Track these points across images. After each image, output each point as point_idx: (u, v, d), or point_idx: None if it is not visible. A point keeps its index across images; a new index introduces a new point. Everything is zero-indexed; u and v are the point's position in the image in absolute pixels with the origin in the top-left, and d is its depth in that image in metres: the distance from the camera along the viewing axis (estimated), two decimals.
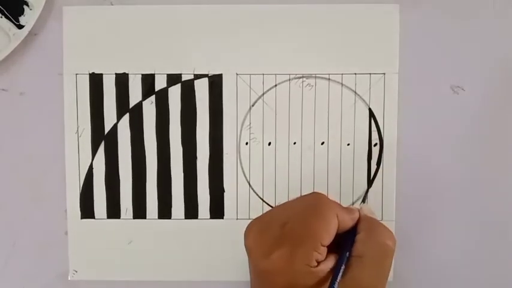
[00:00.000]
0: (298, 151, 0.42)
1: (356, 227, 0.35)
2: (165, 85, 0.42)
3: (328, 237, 0.33)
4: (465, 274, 0.42)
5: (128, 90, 0.42)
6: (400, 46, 0.41)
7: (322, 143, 0.42)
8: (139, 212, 0.42)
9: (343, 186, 0.42)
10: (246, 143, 0.42)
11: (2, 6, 0.40)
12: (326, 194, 0.35)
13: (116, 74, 0.42)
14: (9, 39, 0.40)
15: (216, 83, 0.42)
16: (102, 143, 0.42)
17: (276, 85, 0.41)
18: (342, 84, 0.41)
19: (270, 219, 0.35)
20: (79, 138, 0.42)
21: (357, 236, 0.34)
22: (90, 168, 0.42)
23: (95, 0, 0.41)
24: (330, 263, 0.33)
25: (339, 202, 0.35)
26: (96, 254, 0.42)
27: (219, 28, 0.41)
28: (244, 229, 0.35)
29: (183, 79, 0.42)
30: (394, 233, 0.35)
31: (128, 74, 0.42)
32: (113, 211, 0.42)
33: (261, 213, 0.36)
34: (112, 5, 0.41)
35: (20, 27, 0.40)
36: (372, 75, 0.41)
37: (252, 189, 0.42)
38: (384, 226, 0.35)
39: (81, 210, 0.42)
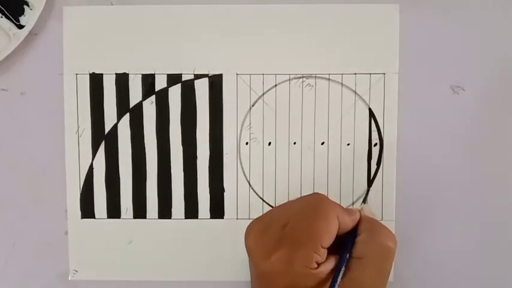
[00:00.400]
0: (298, 151, 0.42)
1: (357, 228, 0.35)
2: (165, 85, 0.42)
3: (329, 239, 0.33)
4: (465, 274, 0.42)
5: (128, 90, 0.42)
6: (400, 46, 0.41)
7: (322, 143, 0.42)
8: (140, 211, 0.42)
9: (343, 186, 0.42)
10: (246, 143, 0.42)
11: (2, 6, 0.40)
12: (326, 195, 0.35)
13: (116, 74, 0.42)
14: (10, 39, 0.40)
15: (216, 83, 0.42)
16: (102, 143, 0.42)
17: (276, 85, 0.41)
18: (342, 84, 0.41)
19: (270, 219, 0.35)
20: (79, 138, 0.42)
21: (357, 238, 0.34)
22: (90, 168, 0.42)
23: (95, 0, 0.41)
24: (330, 265, 0.33)
25: (339, 203, 0.36)
26: (96, 254, 0.42)
27: (219, 28, 0.41)
28: (245, 229, 0.35)
29: (183, 79, 0.42)
30: (394, 232, 0.35)
31: (128, 74, 0.42)
32: (113, 211, 0.42)
33: (261, 214, 0.36)
34: (112, 5, 0.41)
35: (20, 27, 0.40)
36: (371, 75, 0.41)
37: (252, 189, 0.42)
38: (385, 227, 0.35)
39: (81, 210, 0.42)
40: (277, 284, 0.32)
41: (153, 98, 0.42)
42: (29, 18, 0.40)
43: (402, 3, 0.41)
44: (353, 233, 0.35)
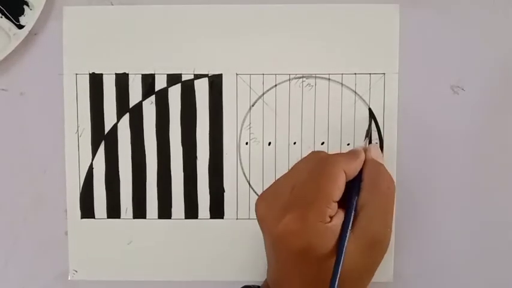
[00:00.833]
0: (298, 151, 0.42)
1: (362, 170, 0.35)
2: (165, 85, 0.42)
3: (339, 193, 0.33)
4: (465, 274, 0.42)
5: (127, 90, 0.42)
6: (400, 46, 0.41)
7: (322, 143, 0.42)
8: (139, 211, 0.42)
9: None
10: (246, 143, 0.42)
11: (2, 6, 0.40)
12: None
13: (116, 74, 0.42)
14: (9, 39, 0.40)
15: (216, 83, 0.42)
16: (102, 143, 0.42)
17: (276, 85, 0.41)
18: (342, 84, 0.41)
19: (276, 188, 0.35)
20: (79, 138, 0.42)
21: (361, 184, 0.35)
22: (90, 168, 0.42)
23: (95, 0, 0.41)
24: (341, 215, 0.33)
25: (340, 152, 0.35)
26: (96, 254, 0.42)
27: (219, 28, 0.41)
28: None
29: (183, 79, 0.42)
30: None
31: (127, 74, 0.42)
32: (113, 211, 0.42)
33: None
34: (112, 5, 0.41)
35: (20, 27, 0.40)
36: (372, 75, 0.41)
37: (252, 189, 0.42)
38: (385, 171, 0.36)
39: (81, 210, 0.42)
40: (294, 245, 0.32)
41: (153, 98, 0.42)
42: (28, 18, 0.40)
43: (402, 3, 0.41)
44: (358, 178, 0.35)
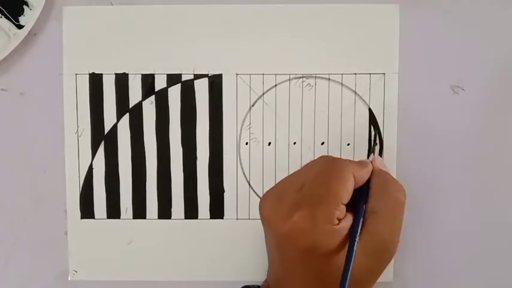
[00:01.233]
0: (298, 151, 0.42)
1: (369, 180, 0.35)
2: (165, 85, 0.42)
3: (347, 196, 0.33)
4: (465, 274, 0.42)
5: (127, 90, 0.42)
6: (400, 46, 0.41)
7: (322, 143, 0.42)
8: (139, 212, 0.42)
9: None
10: (246, 143, 0.42)
11: (2, 6, 0.40)
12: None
13: (115, 74, 0.42)
14: (9, 39, 0.40)
15: (216, 83, 0.42)
16: (102, 143, 0.42)
17: (276, 85, 0.41)
18: (342, 84, 0.41)
19: (283, 187, 0.35)
20: (79, 138, 0.42)
21: (370, 191, 0.35)
22: (90, 168, 0.42)
23: (95, 0, 0.41)
24: (349, 219, 0.33)
25: (350, 159, 0.35)
26: (96, 254, 0.42)
27: (219, 28, 0.41)
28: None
29: (183, 79, 0.42)
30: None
31: (127, 74, 0.42)
32: (113, 211, 0.42)
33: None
34: (112, 5, 0.41)
35: (20, 27, 0.40)
36: (372, 75, 0.41)
37: (252, 189, 0.42)
38: (395, 180, 0.36)
39: (81, 210, 0.42)
40: (301, 242, 0.32)
41: (152, 98, 0.42)
42: (28, 18, 0.40)
43: (402, 3, 0.41)
44: (367, 185, 0.35)
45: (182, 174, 0.42)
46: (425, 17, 0.41)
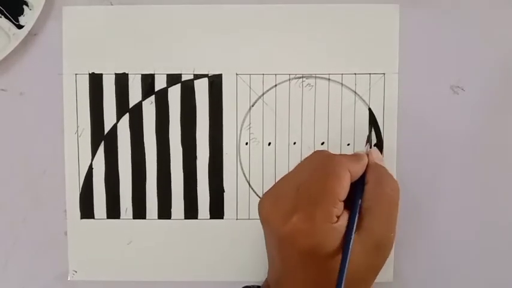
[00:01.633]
0: (298, 151, 0.42)
1: (365, 174, 0.36)
2: (165, 85, 0.42)
3: (344, 192, 0.33)
4: (465, 274, 0.42)
5: (127, 90, 0.42)
6: (400, 46, 0.41)
7: (322, 143, 0.42)
8: (139, 212, 0.42)
9: None
10: (246, 143, 0.42)
11: (2, 6, 0.40)
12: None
13: (115, 74, 0.42)
14: (9, 39, 0.40)
15: (216, 83, 0.42)
16: (102, 143, 0.42)
17: (276, 85, 0.41)
18: (342, 84, 0.41)
19: (280, 188, 0.35)
20: (79, 138, 0.42)
21: (365, 186, 0.35)
22: (90, 168, 0.42)
23: (95, 0, 0.41)
24: (346, 216, 0.33)
25: (345, 154, 0.35)
26: (96, 254, 0.42)
27: (219, 28, 0.41)
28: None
29: (183, 79, 0.42)
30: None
31: (127, 74, 0.42)
32: (113, 211, 0.42)
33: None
34: (112, 5, 0.41)
35: (20, 27, 0.40)
36: (371, 75, 0.41)
37: (252, 189, 0.42)
38: (390, 175, 0.36)
39: (80, 210, 0.42)
40: (301, 243, 0.32)
41: (152, 98, 0.42)
42: (28, 18, 0.40)
43: (402, 3, 0.41)
44: (362, 179, 0.35)
45: (182, 174, 0.42)
46: (425, 17, 0.41)
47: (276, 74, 0.41)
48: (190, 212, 0.42)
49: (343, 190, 0.33)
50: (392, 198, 0.35)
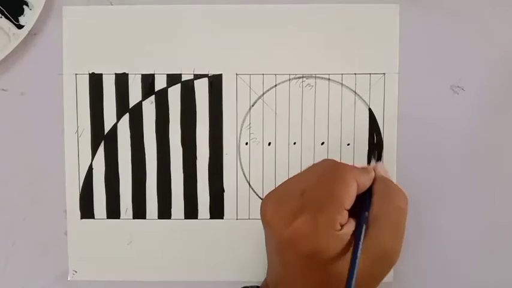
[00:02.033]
0: (298, 151, 0.42)
1: (372, 186, 0.35)
2: (165, 85, 0.42)
3: (350, 201, 0.33)
4: (466, 274, 0.42)
5: (127, 90, 0.42)
6: (400, 46, 0.41)
7: (322, 143, 0.42)
8: (139, 212, 0.42)
9: None
10: (246, 143, 0.42)
11: (2, 6, 0.40)
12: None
13: (115, 74, 0.42)
14: (9, 39, 0.40)
15: (216, 83, 0.42)
16: (102, 143, 0.42)
17: (276, 85, 0.41)
18: (342, 84, 0.41)
19: (285, 190, 0.35)
20: (79, 139, 0.42)
21: (372, 198, 0.34)
22: (90, 168, 0.42)
23: (95, 0, 0.41)
24: (351, 225, 0.33)
25: (353, 165, 0.35)
26: (96, 254, 0.42)
27: (219, 28, 0.41)
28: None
29: (183, 79, 0.42)
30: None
31: (127, 74, 0.42)
32: (113, 211, 0.42)
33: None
34: (111, 5, 0.41)
35: (20, 27, 0.40)
36: (371, 75, 0.41)
37: (252, 189, 0.42)
38: (397, 188, 0.35)
39: (80, 210, 0.42)
40: (302, 250, 0.32)
41: (152, 98, 0.42)
42: (28, 18, 0.40)
43: (402, 3, 0.41)
44: (369, 191, 0.35)
45: (182, 174, 0.42)
46: (425, 17, 0.41)
47: (276, 74, 0.41)
48: (190, 212, 0.42)
49: (350, 198, 0.33)
50: (401, 210, 0.34)
